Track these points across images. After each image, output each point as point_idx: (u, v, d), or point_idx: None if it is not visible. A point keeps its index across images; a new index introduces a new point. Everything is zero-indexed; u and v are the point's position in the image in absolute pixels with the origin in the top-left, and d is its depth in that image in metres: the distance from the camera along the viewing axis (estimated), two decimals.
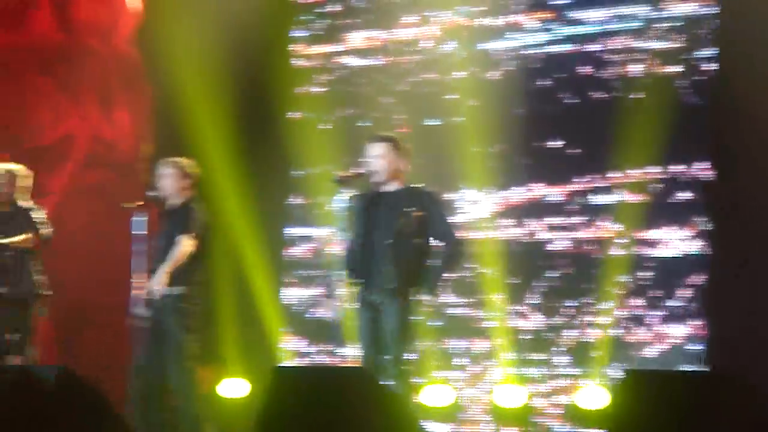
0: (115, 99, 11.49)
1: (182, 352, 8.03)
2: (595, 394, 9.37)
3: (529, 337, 10.09)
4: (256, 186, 10.78)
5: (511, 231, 10.29)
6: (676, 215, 9.75)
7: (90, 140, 11.30)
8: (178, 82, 10.79)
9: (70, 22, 11.35)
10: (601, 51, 10.17)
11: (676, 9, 9.97)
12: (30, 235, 8.62)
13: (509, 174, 10.34)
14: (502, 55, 10.54)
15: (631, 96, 9.91)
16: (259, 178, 10.80)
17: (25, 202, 8.81)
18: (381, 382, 6.25)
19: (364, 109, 10.98)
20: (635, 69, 10.03)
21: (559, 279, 10.10)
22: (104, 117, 11.41)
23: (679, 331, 9.63)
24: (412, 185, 7.45)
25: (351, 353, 7.40)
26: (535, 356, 10.04)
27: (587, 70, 10.21)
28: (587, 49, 10.24)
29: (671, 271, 9.71)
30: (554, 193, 10.19)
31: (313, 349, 10.88)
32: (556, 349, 9.99)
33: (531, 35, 10.48)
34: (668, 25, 9.97)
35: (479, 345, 10.25)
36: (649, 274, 9.79)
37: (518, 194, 10.32)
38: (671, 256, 9.75)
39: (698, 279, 9.61)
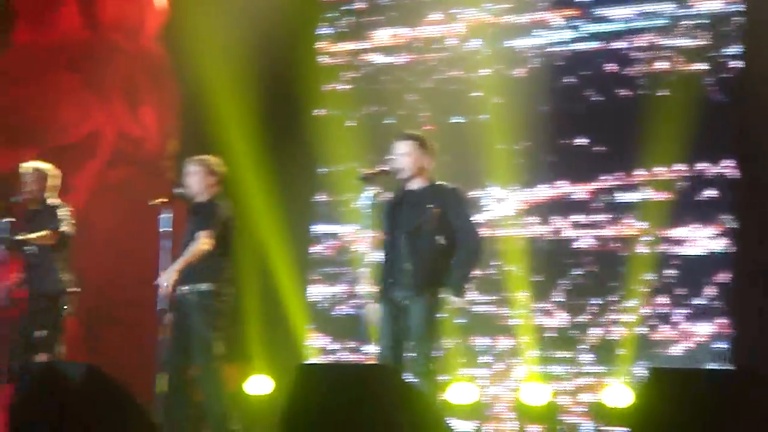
0: (141, 96, 11.52)
1: (208, 350, 8.03)
2: (619, 392, 9.35)
3: (554, 334, 10.09)
4: (282, 183, 10.80)
5: (536, 228, 10.29)
6: (702, 213, 9.74)
7: (116, 138, 11.34)
8: (205, 79, 10.82)
9: (96, 19, 11.39)
10: (627, 48, 10.16)
11: (702, 6, 9.95)
12: (48, 232, 8.64)
13: (534, 171, 10.35)
14: (528, 52, 10.54)
15: (656, 93, 9.90)
16: (284, 175, 10.83)
17: (53, 200, 8.84)
18: (406, 380, 6.25)
19: (389, 107, 11.00)
20: (661, 66, 10.02)
21: (584, 277, 10.09)
22: (130, 114, 11.45)
23: (704, 329, 9.61)
24: (437, 182, 7.43)
25: (375, 351, 7.40)
26: (559, 354, 10.04)
27: (613, 67, 10.20)
28: (613, 47, 10.23)
29: (696, 269, 9.69)
30: (579, 190, 10.18)
31: (337, 346, 10.91)
32: (580, 346, 9.99)
33: (556, 32, 10.48)
34: (694, 22, 9.95)
35: (504, 342, 10.25)
36: (674, 272, 9.77)
37: (543, 192, 10.32)
38: (696, 254, 9.73)
39: (723, 277, 9.59)
